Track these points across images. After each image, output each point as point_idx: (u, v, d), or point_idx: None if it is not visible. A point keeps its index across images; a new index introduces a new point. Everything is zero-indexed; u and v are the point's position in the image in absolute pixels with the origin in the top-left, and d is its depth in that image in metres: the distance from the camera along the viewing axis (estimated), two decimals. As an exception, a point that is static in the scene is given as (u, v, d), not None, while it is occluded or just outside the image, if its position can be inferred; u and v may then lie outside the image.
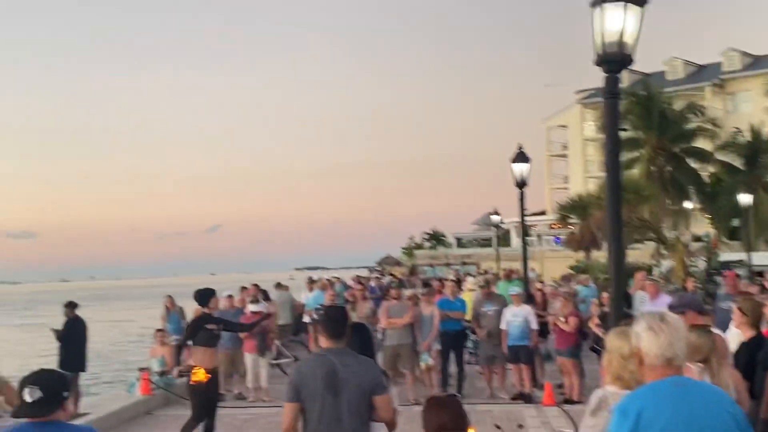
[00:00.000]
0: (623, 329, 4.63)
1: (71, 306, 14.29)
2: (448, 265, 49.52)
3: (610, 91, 6.58)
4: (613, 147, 6.55)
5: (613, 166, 6.63)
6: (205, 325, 9.61)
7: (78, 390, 14.15)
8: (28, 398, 3.61)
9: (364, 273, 49.18)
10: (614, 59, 6.56)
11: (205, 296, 9.86)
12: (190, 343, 9.71)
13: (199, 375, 9.27)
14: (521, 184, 16.40)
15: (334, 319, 5.28)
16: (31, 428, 3.62)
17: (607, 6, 6.51)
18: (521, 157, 16.35)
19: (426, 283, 16.63)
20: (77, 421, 11.81)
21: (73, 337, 14.05)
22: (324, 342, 5.27)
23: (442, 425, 3.74)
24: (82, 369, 14.21)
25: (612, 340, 4.62)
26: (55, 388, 3.67)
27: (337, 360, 5.10)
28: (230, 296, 14.95)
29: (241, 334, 13.75)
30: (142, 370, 14.13)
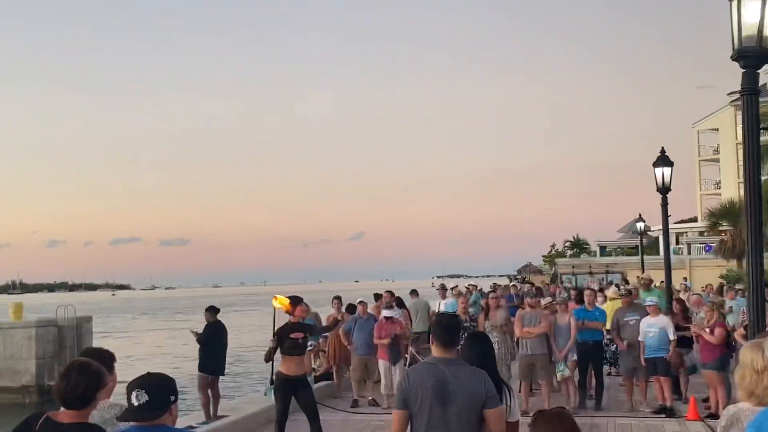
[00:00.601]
0: (758, 341, 4.31)
1: (212, 311, 14.78)
2: (591, 273, 48.32)
3: (749, 88, 6.18)
4: (752, 147, 6.12)
5: (753, 168, 6.20)
6: (289, 334, 9.84)
7: (217, 392, 14.60)
8: (135, 402, 3.67)
9: (505, 281, 48.68)
10: (752, 54, 6.18)
11: (292, 304, 10.10)
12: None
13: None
14: (664, 190, 15.78)
15: (446, 327, 5.15)
16: None
17: (745, -2, 6.14)
18: (664, 160, 15.73)
19: (578, 291, 16.10)
20: (217, 423, 12.20)
21: (212, 341, 14.50)
22: (435, 351, 5.16)
23: None
24: (221, 372, 14.65)
25: (745, 353, 4.30)
26: (162, 392, 3.72)
27: (448, 370, 4.97)
28: (362, 302, 15.07)
29: (376, 341, 13.88)
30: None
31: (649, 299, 13.46)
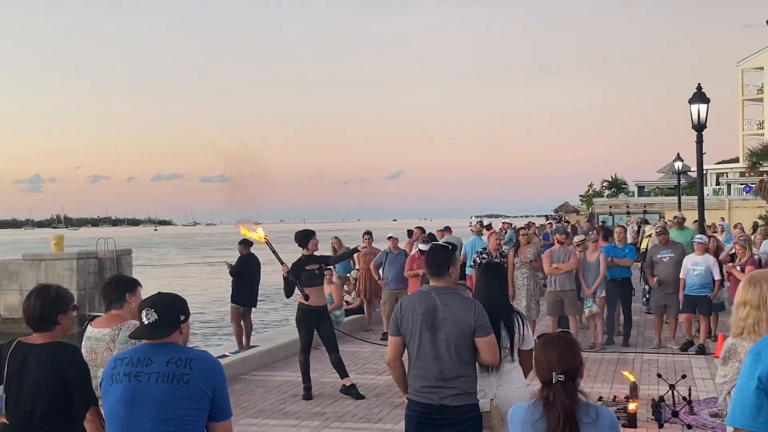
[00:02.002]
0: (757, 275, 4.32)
1: (245, 244, 14.95)
2: (628, 213, 47.88)
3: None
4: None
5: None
6: (305, 266, 9.98)
7: (250, 323, 14.90)
8: (145, 320, 3.77)
9: (542, 221, 48.43)
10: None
11: (304, 238, 10.17)
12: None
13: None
14: (699, 127, 15.54)
15: (431, 257, 5.21)
16: (148, 349, 3.78)
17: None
18: (700, 97, 15.46)
19: (604, 229, 16.05)
20: (249, 352, 12.49)
21: (244, 274, 14.72)
22: (430, 280, 5.25)
23: (551, 363, 3.52)
24: (253, 304, 14.91)
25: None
26: (172, 311, 3.81)
27: (439, 298, 5.05)
28: (391, 237, 15.18)
29: (407, 274, 14.01)
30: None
31: (698, 237, 13.37)
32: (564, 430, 3.42)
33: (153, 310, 3.76)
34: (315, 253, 10.28)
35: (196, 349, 3.87)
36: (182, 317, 3.84)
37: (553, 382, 3.50)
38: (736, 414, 3.07)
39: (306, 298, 9.92)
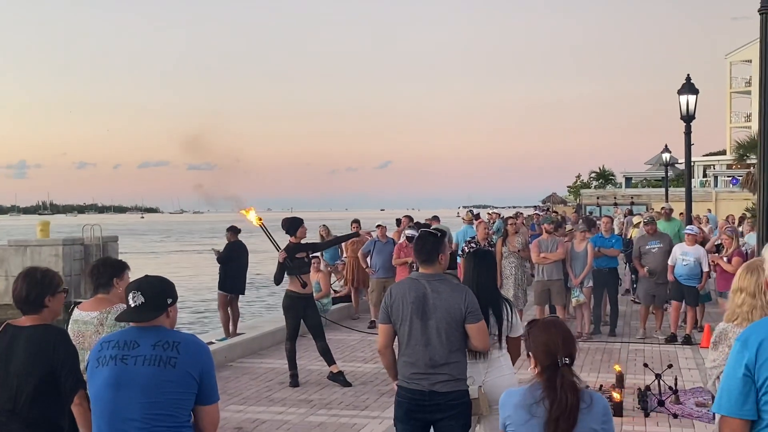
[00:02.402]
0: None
1: (233, 231, 14.92)
2: (615, 204, 48.00)
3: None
4: (766, 70, 5.93)
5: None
6: (294, 254, 9.94)
7: (237, 311, 14.86)
8: (131, 303, 3.75)
9: (530, 212, 48.51)
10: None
11: (293, 226, 10.13)
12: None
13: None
14: (688, 118, 15.58)
15: (420, 245, 5.20)
16: (134, 332, 3.75)
17: None
18: (689, 88, 15.49)
19: (586, 220, 16.14)
20: (235, 340, 12.46)
21: (231, 260, 14.67)
22: (420, 268, 5.25)
23: (556, 347, 3.50)
24: (240, 291, 14.86)
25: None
26: (158, 293, 3.79)
27: (429, 285, 5.05)
28: (379, 226, 15.16)
29: (395, 263, 14.00)
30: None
31: (689, 228, 13.40)
32: (571, 413, 3.41)
33: (140, 292, 3.73)
34: (302, 241, 10.26)
35: (184, 333, 3.84)
36: (169, 300, 3.81)
37: (560, 365, 3.48)
38: (722, 401, 3.05)
39: (303, 285, 9.90)
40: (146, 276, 3.89)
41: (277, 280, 10.15)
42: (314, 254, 11.07)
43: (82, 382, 4.38)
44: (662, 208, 17.19)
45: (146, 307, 3.73)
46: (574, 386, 3.46)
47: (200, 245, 66.83)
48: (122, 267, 5.31)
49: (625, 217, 28.70)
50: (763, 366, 2.96)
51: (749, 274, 4.18)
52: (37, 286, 4.48)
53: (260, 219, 9.95)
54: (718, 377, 4.37)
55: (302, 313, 10.13)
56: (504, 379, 5.38)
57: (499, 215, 24.63)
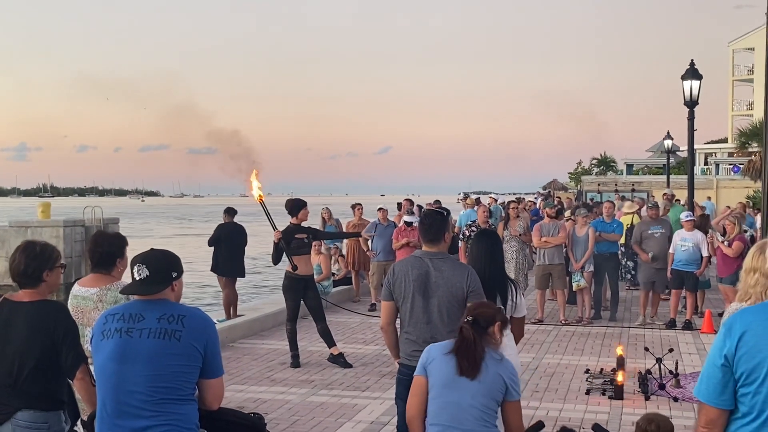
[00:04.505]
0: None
1: (230, 212, 14.83)
2: (616, 191, 47.90)
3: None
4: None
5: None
6: (294, 235, 9.97)
7: (234, 293, 14.81)
8: (136, 276, 3.74)
9: (531, 198, 48.48)
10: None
11: (295, 207, 10.14)
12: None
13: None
14: (692, 103, 15.54)
15: (428, 224, 5.22)
16: (139, 305, 3.75)
17: None
18: (693, 73, 15.46)
19: (585, 205, 16.18)
20: (234, 321, 12.47)
21: (225, 242, 14.55)
22: (423, 246, 5.27)
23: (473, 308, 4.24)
24: (237, 274, 14.75)
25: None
26: (163, 267, 3.77)
27: (432, 264, 5.08)
28: (381, 209, 15.17)
29: (396, 247, 14.00)
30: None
31: (685, 214, 13.39)
32: (468, 346, 4.01)
33: (145, 266, 3.72)
34: (303, 224, 10.24)
35: (189, 306, 3.83)
36: (174, 274, 3.80)
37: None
38: (701, 387, 3.02)
39: (294, 268, 9.88)
40: (152, 249, 3.88)
41: (274, 260, 10.17)
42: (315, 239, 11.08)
43: (84, 357, 4.37)
44: (664, 194, 17.25)
45: (151, 281, 3.72)
46: (476, 338, 4.04)
47: (201, 229, 66.82)
48: (124, 245, 5.25)
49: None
50: (743, 359, 2.89)
51: (762, 254, 4.16)
52: (35, 260, 4.46)
53: (262, 196, 9.93)
54: None
55: (302, 294, 10.13)
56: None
57: (496, 200, 24.78)
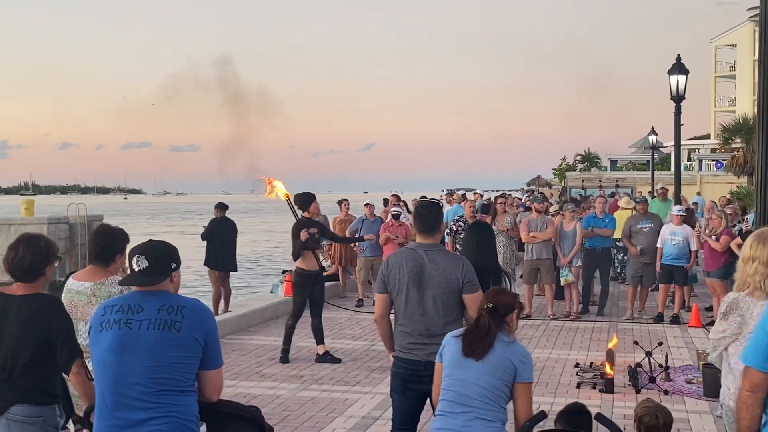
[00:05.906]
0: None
1: (220, 207, 14.86)
2: (600, 187, 48.11)
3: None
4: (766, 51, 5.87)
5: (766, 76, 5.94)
6: (308, 229, 9.90)
7: (228, 288, 14.82)
8: (135, 267, 3.70)
9: (516, 194, 48.56)
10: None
11: (305, 201, 10.08)
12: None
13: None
14: (678, 98, 15.59)
15: (423, 215, 5.20)
16: (138, 297, 3.72)
17: None
18: (679, 68, 15.49)
19: (573, 200, 16.24)
20: (223, 316, 12.41)
21: (217, 236, 14.57)
22: (418, 238, 5.26)
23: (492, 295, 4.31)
24: (230, 268, 14.78)
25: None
26: (162, 258, 3.74)
27: (426, 255, 5.05)
28: (367, 204, 15.16)
29: (381, 242, 14.00)
30: (285, 272, 14.55)
31: (677, 208, 13.42)
32: (479, 332, 4.13)
33: (144, 257, 3.69)
34: (313, 218, 10.20)
35: (188, 297, 3.79)
36: (173, 265, 3.77)
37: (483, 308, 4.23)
38: (749, 353, 3.31)
39: (321, 266, 9.89)
40: (150, 240, 3.85)
41: (296, 256, 10.05)
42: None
43: (79, 351, 4.32)
44: (661, 188, 17.37)
45: (150, 272, 3.68)
46: (491, 326, 4.15)
47: (186, 226, 66.55)
48: (125, 242, 5.18)
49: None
50: None
51: (761, 243, 4.17)
52: (41, 255, 4.40)
53: (288, 194, 9.91)
54: (726, 348, 4.36)
55: (310, 290, 10.05)
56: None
57: (481, 196, 24.87)
